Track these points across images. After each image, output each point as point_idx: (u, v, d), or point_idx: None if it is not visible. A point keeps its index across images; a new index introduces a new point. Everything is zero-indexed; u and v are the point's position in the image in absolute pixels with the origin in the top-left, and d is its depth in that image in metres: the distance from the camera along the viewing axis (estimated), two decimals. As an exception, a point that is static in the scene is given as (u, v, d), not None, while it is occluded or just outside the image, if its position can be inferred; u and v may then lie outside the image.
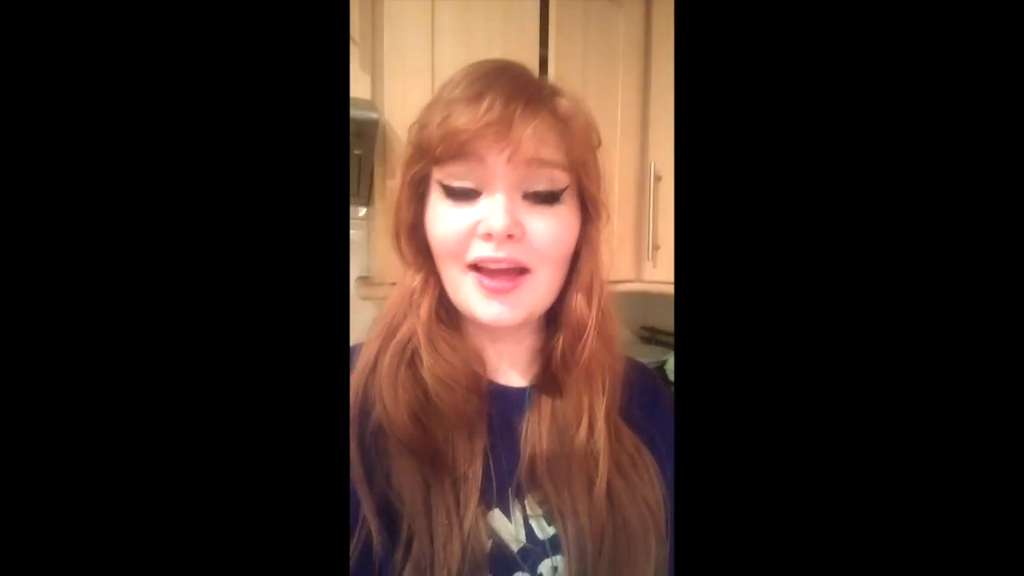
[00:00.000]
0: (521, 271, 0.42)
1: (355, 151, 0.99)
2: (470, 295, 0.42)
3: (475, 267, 0.41)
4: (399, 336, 0.43)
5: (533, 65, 1.02)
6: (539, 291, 0.43)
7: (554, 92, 0.43)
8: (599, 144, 0.45)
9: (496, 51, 0.99)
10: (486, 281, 0.41)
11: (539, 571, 0.42)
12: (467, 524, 0.39)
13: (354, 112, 0.85)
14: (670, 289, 1.12)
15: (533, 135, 0.39)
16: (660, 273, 1.14)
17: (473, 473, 0.41)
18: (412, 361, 0.43)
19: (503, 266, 0.41)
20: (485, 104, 0.38)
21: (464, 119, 0.39)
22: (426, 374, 0.42)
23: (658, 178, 1.12)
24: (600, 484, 0.43)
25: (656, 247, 1.13)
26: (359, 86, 0.88)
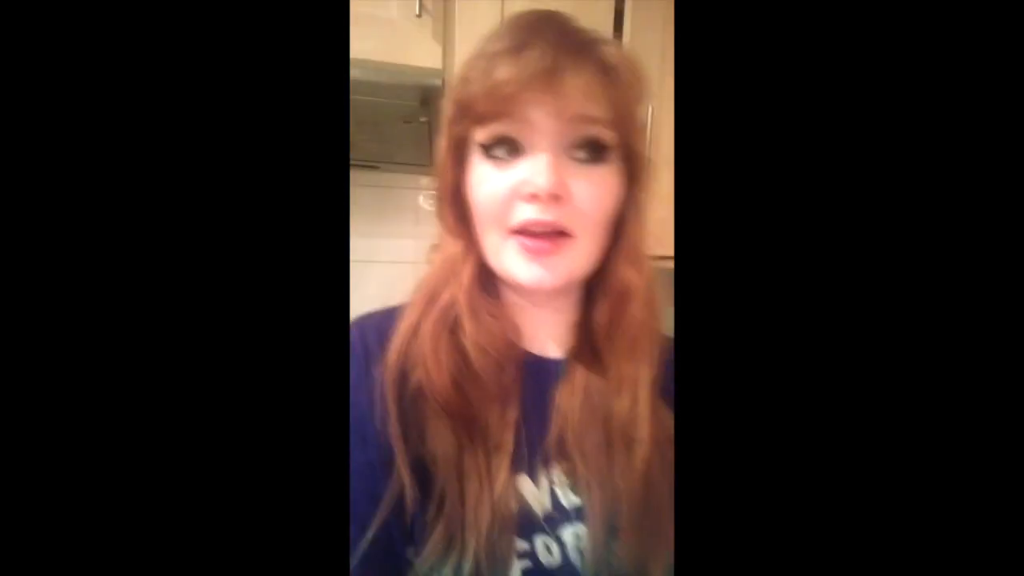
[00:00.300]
0: (563, 234, 0.40)
1: (423, 118, 1.02)
2: (511, 258, 0.41)
3: (517, 232, 0.40)
4: (441, 303, 0.43)
5: (608, 20, 0.99)
6: (581, 256, 0.42)
7: (599, 41, 0.41)
8: (645, 98, 0.43)
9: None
10: (528, 243, 0.40)
11: (561, 536, 0.43)
12: (497, 490, 0.40)
13: (421, 79, 0.86)
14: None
15: (581, 88, 0.38)
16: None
17: (505, 441, 0.41)
18: (454, 328, 0.43)
19: (546, 229, 0.40)
20: (530, 55, 0.37)
21: (508, 71, 0.37)
22: (467, 342, 0.42)
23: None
24: (639, 455, 0.42)
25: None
26: (430, 56, 0.89)
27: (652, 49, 1.01)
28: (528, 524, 0.41)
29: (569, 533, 0.42)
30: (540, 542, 0.42)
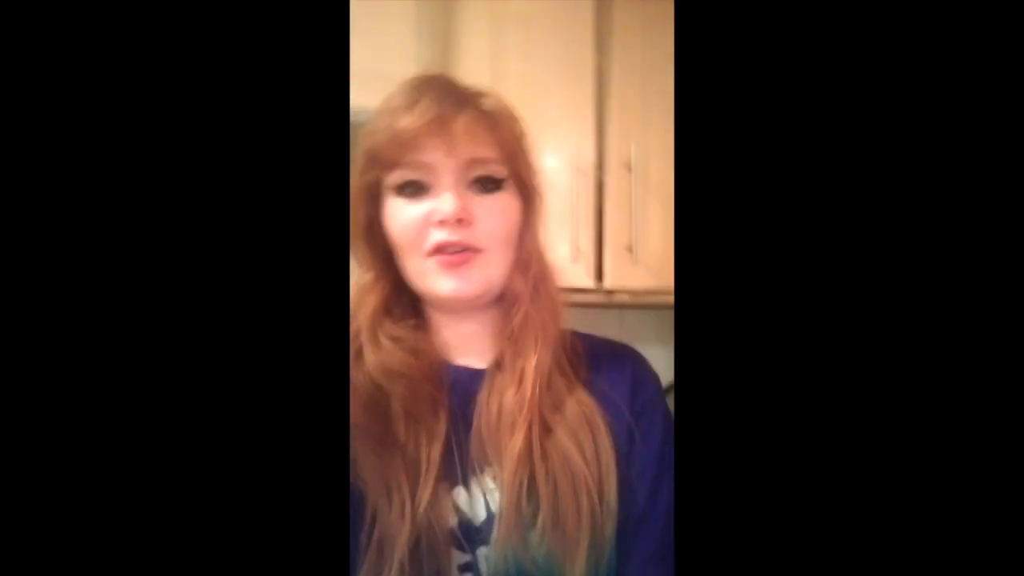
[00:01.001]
0: (474, 251, 0.47)
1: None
2: (431, 276, 0.47)
3: (433, 252, 0.46)
4: (351, 331, 0.48)
5: (590, 73, 1.07)
6: (491, 266, 0.48)
7: (479, 93, 0.49)
8: (525, 135, 0.51)
9: (554, 63, 1.04)
10: (445, 259, 0.46)
11: (493, 544, 0.44)
12: (423, 505, 0.43)
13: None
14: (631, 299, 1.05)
15: (465, 130, 0.45)
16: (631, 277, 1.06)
17: (432, 455, 0.45)
18: (360, 355, 0.47)
19: (458, 248, 0.46)
20: (421, 107, 0.44)
21: (405, 122, 0.44)
22: (369, 367, 0.46)
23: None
24: (516, 442, 0.45)
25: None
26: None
27: (634, 99, 1.08)
28: (470, 536, 0.44)
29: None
30: (482, 553, 0.44)
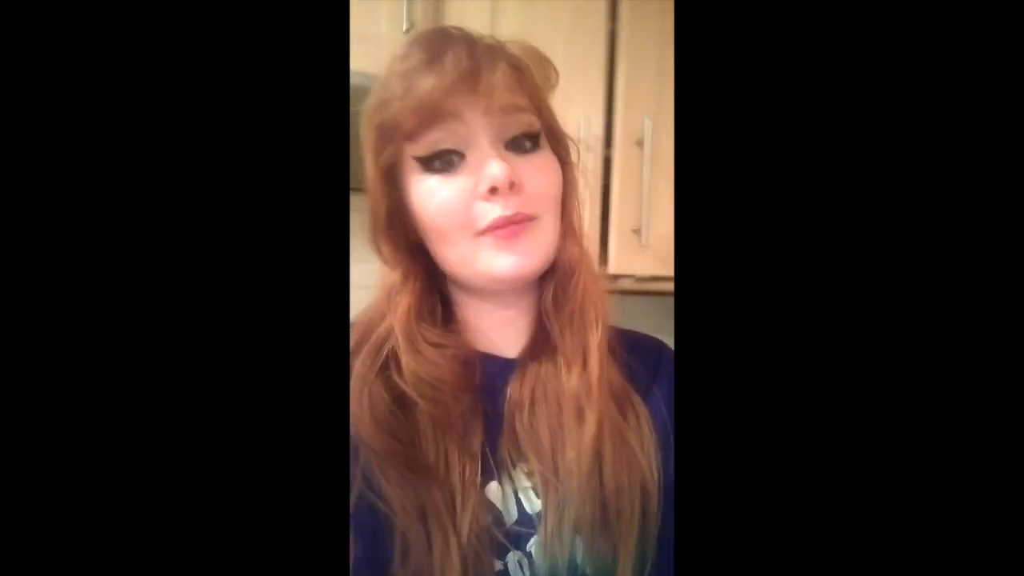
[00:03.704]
0: (529, 219, 0.41)
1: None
2: (487, 256, 0.41)
3: (488, 230, 0.40)
4: (374, 338, 0.41)
5: (601, 41, 0.99)
6: (547, 234, 0.42)
7: (505, 43, 0.43)
8: (556, 82, 0.45)
9: (560, 28, 0.96)
10: (501, 233, 0.40)
11: (528, 549, 0.40)
12: (465, 530, 0.38)
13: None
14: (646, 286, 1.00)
15: (502, 81, 0.39)
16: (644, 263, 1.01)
17: (469, 476, 0.39)
18: (386, 365, 0.41)
19: (515, 220, 0.40)
20: (449, 60, 0.38)
21: (431, 81, 0.38)
22: (407, 377, 0.40)
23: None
24: (591, 422, 0.41)
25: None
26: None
27: (648, 68, 1.00)
28: (510, 538, 0.40)
29: (535, 544, 0.40)
30: (513, 560, 0.39)
